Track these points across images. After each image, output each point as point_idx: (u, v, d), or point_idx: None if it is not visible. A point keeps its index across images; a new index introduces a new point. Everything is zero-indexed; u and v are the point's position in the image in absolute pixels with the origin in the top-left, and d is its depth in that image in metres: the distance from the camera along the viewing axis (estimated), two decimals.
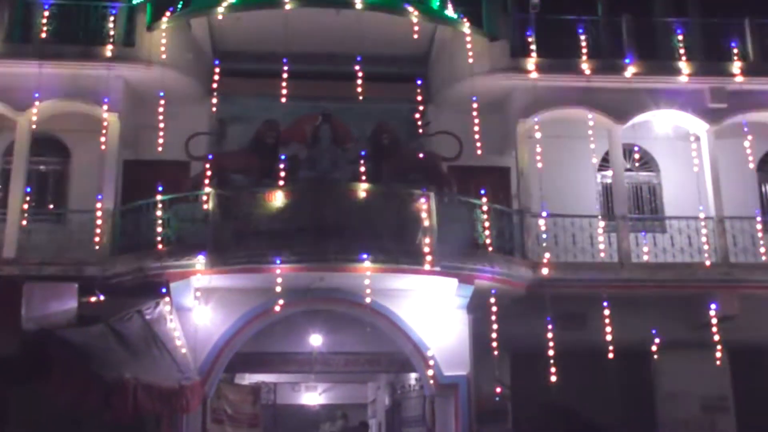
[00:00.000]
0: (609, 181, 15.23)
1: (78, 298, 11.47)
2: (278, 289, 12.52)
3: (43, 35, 14.08)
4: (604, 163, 15.38)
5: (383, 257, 12.44)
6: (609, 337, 13.43)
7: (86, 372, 10.09)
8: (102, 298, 12.38)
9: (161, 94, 14.09)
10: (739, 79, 14.84)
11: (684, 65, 14.86)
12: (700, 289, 14.03)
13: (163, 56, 14.16)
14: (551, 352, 12.99)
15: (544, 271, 13.65)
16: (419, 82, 14.81)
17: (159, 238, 12.94)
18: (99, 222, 13.48)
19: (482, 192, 13.74)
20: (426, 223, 12.76)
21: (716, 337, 13.90)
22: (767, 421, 14.10)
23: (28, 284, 10.98)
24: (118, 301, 12.08)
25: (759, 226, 14.61)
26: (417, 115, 14.79)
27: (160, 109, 14.17)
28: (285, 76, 14.23)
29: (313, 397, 19.62)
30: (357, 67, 14.17)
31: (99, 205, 13.58)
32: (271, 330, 13.37)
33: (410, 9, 14.16)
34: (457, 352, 13.28)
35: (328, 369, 14.50)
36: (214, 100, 14.76)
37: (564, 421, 13.68)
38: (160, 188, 13.39)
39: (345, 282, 12.94)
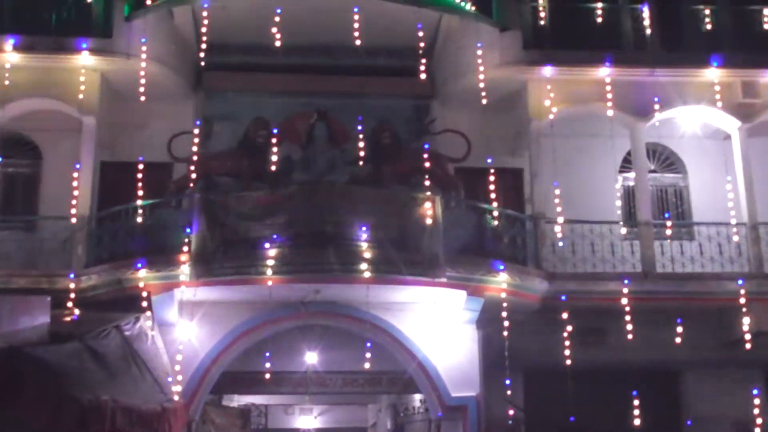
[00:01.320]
0: (631, 183, 15.27)
1: (50, 313, 11.47)
2: (270, 302, 12.55)
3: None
4: (626, 164, 15.43)
5: (384, 267, 12.47)
6: (632, 355, 13.43)
7: (60, 393, 10.08)
8: (76, 312, 12.41)
9: (141, 89, 14.11)
10: None
11: (713, 56, 14.90)
12: (731, 302, 14.01)
13: (144, 49, 14.19)
14: (568, 371, 13.00)
15: (561, 282, 13.67)
16: (423, 76, 14.84)
17: (139, 247, 12.97)
18: (73, 230, 13.52)
19: (492, 196, 13.80)
20: (431, 229, 12.79)
21: (750, 355, 13.90)
22: None
23: None
24: (95, 316, 12.06)
25: None
26: (421, 113, 14.82)
27: (141, 107, 14.20)
28: (276, 70, 14.35)
29: (308, 420, 19.62)
30: (355, 60, 14.22)
31: (73, 211, 13.63)
32: (262, 347, 13.40)
33: None
34: (465, 370, 13.31)
35: (324, 390, 14.53)
36: (200, 97, 14.82)
37: None
38: (140, 193, 13.45)
39: (343, 294, 12.97)
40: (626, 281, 13.77)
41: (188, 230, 12.75)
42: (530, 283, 13.56)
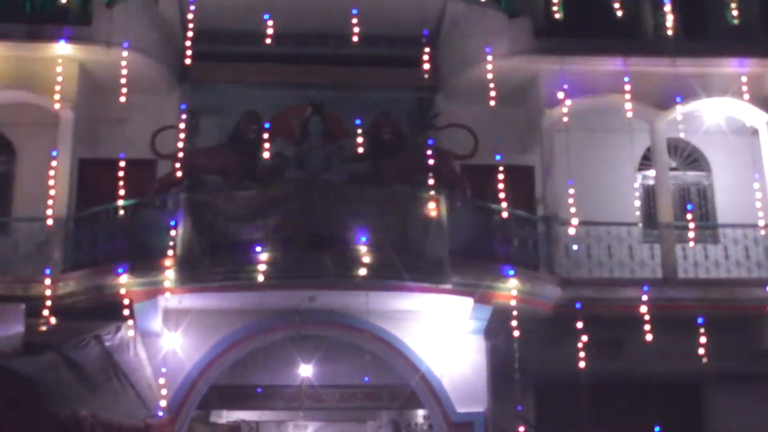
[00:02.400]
0: (651, 182, 15.31)
1: (25, 322, 11.49)
2: (261, 310, 12.58)
3: None
4: (646, 161, 15.47)
5: (385, 272, 12.49)
6: (651, 367, 13.46)
7: (35, 408, 10.10)
8: (53, 321, 12.44)
9: (123, 81, 14.12)
10: None
11: (740, 45, 14.91)
12: (759, 310, 14.04)
13: (126, 37, 14.22)
14: (583, 385, 13.01)
15: (575, 288, 13.70)
16: (426, 66, 14.86)
17: (120, 251, 12.99)
18: (49, 232, 13.55)
19: (501, 195, 13.82)
20: (435, 232, 12.83)
21: None
22: None
23: None
24: (73, 325, 12.09)
25: None
26: (424, 106, 14.85)
27: (122, 99, 14.22)
28: (268, 59, 14.36)
29: None
30: (353, 49, 14.23)
31: (49, 212, 13.66)
32: (253, 359, 13.44)
33: None
34: (472, 384, 13.34)
35: (320, 405, 14.57)
36: (186, 89, 14.85)
37: None
38: (121, 192, 13.48)
39: (340, 302, 13.01)
40: (645, 288, 13.80)
41: (173, 232, 12.76)
42: (542, 290, 13.59)
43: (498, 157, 14.23)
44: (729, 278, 14.37)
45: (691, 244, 14.47)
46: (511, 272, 13.17)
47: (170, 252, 12.66)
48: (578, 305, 13.45)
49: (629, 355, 13.87)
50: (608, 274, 14.14)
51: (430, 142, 14.36)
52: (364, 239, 12.56)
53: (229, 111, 14.83)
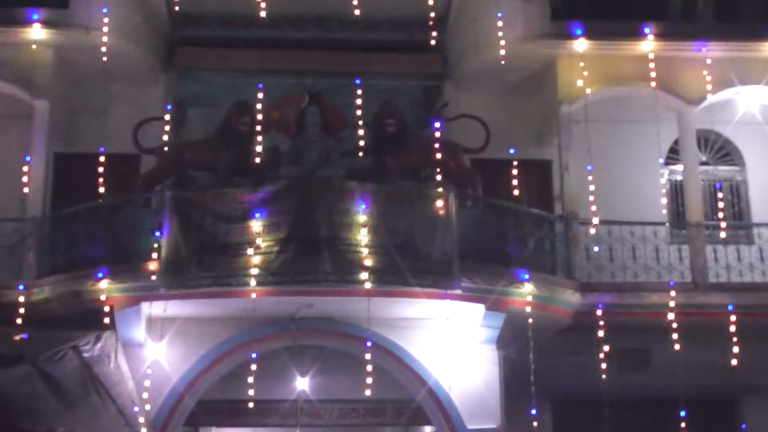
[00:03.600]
0: (679, 177, 15.30)
1: None
2: (254, 318, 12.58)
3: None
4: (673, 154, 15.45)
5: (389, 277, 12.51)
6: (680, 380, 13.43)
7: (8, 426, 10.13)
8: (27, 330, 12.44)
9: (103, 69, 14.13)
10: None
11: None
12: None
13: (105, 21, 14.19)
14: (605, 400, 12.97)
15: (596, 294, 13.69)
16: (434, 52, 14.87)
17: (100, 254, 12.98)
18: (23, 233, 13.57)
19: (516, 192, 13.83)
20: (443, 232, 12.82)
21: None
22: None
23: None
24: (48, 335, 12.09)
25: None
26: (431, 95, 14.84)
27: (102, 89, 14.24)
28: (261, 45, 14.35)
29: None
30: (354, 33, 14.25)
31: (23, 211, 13.68)
32: (245, 371, 13.36)
33: None
34: (484, 398, 13.35)
35: (318, 422, 14.53)
36: (171, 77, 14.85)
37: None
38: (101, 190, 13.48)
39: (340, 309, 13.02)
40: (673, 293, 13.77)
41: (158, 234, 12.79)
42: (560, 296, 13.59)
43: (512, 151, 14.28)
44: (765, 282, 14.37)
45: (723, 245, 14.47)
46: (526, 276, 13.17)
47: (154, 255, 12.67)
48: (599, 312, 13.44)
49: (655, 368, 13.91)
50: (632, 279, 14.13)
51: (437, 134, 14.34)
52: (365, 240, 12.57)
53: (218, 101, 14.81)
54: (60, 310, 13.00)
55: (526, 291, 13.14)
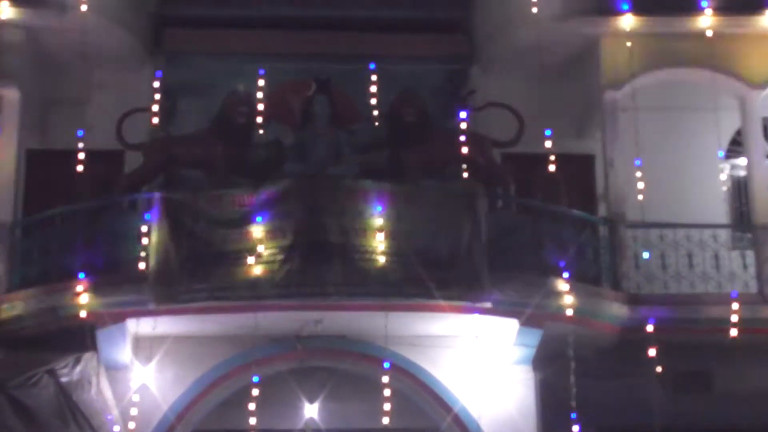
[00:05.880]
0: (742, 173, 15.34)
1: None
2: (255, 336, 12.68)
3: None
4: (736, 146, 15.46)
5: (408, 289, 12.58)
6: (745, 407, 13.44)
7: None
8: None
9: (81, 53, 14.20)
10: None
11: None
12: None
13: None
14: (657, 428, 12.99)
15: (647, 307, 13.71)
16: (459, 32, 14.91)
17: (79, 264, 13.03)
18: None
19: (553, 192, 13.85)
20: (471, 238, 12.88)
21: None
22: None
23: None
24: (20, 358, 12.21)
25: None
26: (456, 81, 14.89)
27: (80, 76, 14.31)
28: (261, 25, 14.40)
29: None
30: (368, 12, 14.31)
31: None
32: (245, 397, 13.45)
33: None
34: (517, 427, 13.43)
35: None
36: (159, 62, 14.94)
37: None
38: (80, 191, 13.56)
39: (352, 325, 13.13)
40: (736, 306, 13.75)
41: (145, 241, 12.88)
42: (605, 309, 13.61)
43: (548, 145, 14.27)
44: None
45: None
46: (566, 287, 13.20)
47: (141, 265, 12.75)
48: (650, 328, 13.45)
49: (716, 392, 13.90)
50: (688, 290, 14.14)
51: (463, 125, 14.39)
52: (382, 247, 12.64)
53: (212, 89, 14.92)
54: (34, 328, 13.05)
55: (566, 304, 13.16)
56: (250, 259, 12.58)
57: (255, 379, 12.98)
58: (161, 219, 12.93)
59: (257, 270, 12.55)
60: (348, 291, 12.55)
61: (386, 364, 12.95)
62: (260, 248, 12.67)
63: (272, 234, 12.85)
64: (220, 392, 13.52)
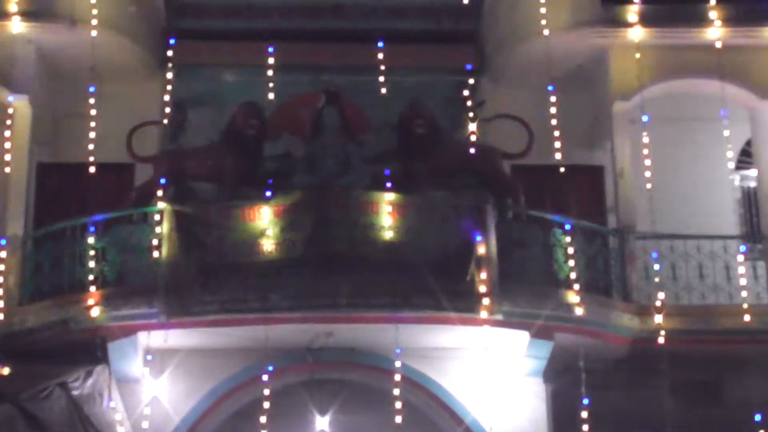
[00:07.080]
0: (752, 184, 15.35)
1: None
2: (266, 349, 12.71)
3: None
4: (746, 157, 15.46)
5: (419, 300, 12.60)
6: (758, 418, 13.44)
7: None
8: (8, 367, 12.58)
9: (91, 67, 14.18)
10: None
11: None
12: None
13: (94, 12, 14.32)
14: None
15: (658, 319, 13.70)
16: (468, 43, 14.92)
17: (91, 277, 13.12)
18: (2, 254, 13.68)
19: (563, 203, 13.89)
20: (481, 249, 12.92)
21: None
22: None
23: None
24: (32, 370, 12.20)
25: None
26: (465, 92, 14.94)
27: (91, 90, 14.36)
28: (270, 37, 14.42)
29: None
30: (376, 23, 14.32)
31: (2, 228, 13.82)
32: (256, 410, 13.47)
33: None
34: None
35: None
36: (169, 75, 14.98)
37: None
38: (91, 204, 13.61)
39: (363, 337, 13.17)
40: (747, 317, 13.77)
41: (156, 254, 12.94)
42: (616, 321, 13.62)
43: (558, 156, 14.29)
44: None
45: None
46: (577, 299, 13.23)
47: (152, 278, 12.79)
48: (661, 340, 13.47)
49: (727, 404, 13.87)
50: (699, 301, 14.13)
51: (473, 137, 14.40)
52: (392, 259, 12.67)
53: (222, 102, 14.99)
54: (45, 341, 13.05)
55: (577, 316, 13.20)
56: (262, 271, 12.63)
57: (266, 391, 12.95)
58: (171, 231, 12.94)
59: (268, 282, 12.59)
60: (358, 303, 12.58)
61: (397, 377, 12.90)
62: (271, 260, 12.71)
63: (283, 246, 12.90)
64: (231, 405, 13.58)
